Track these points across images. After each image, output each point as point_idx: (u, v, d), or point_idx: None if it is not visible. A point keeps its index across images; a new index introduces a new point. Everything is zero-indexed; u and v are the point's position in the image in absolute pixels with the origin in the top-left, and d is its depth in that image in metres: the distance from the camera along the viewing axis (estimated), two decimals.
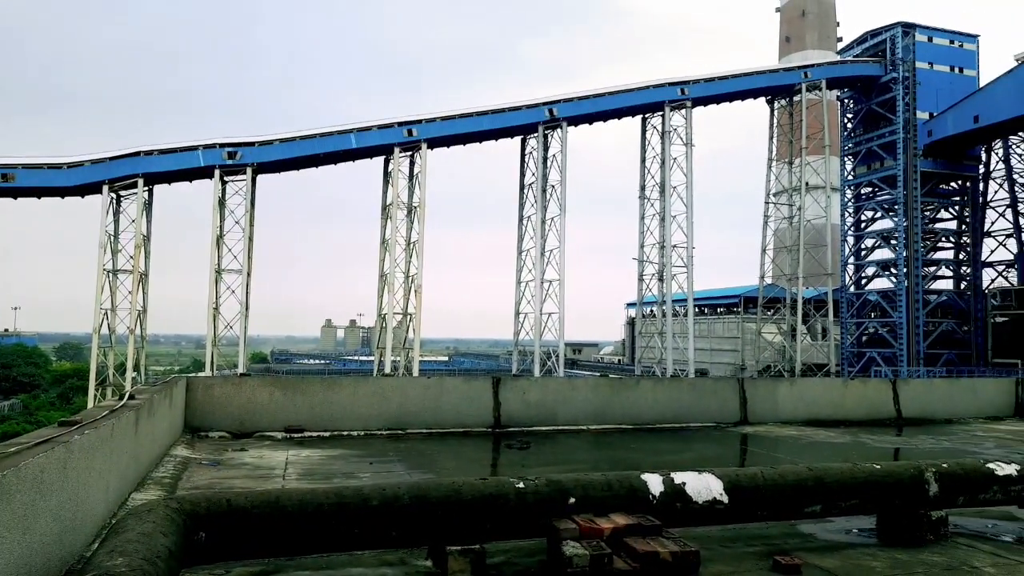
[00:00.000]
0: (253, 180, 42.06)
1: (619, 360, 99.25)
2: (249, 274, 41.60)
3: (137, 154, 40.04)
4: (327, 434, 12.86)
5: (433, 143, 45.34)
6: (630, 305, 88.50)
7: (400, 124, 44.25)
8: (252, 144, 41.88)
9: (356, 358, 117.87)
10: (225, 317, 41.03)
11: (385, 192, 46.53)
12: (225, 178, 41.88)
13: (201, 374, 34.51)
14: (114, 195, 40.58)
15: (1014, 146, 55.45)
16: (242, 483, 8.78)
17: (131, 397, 8.62)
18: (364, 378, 15.39)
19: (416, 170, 45.57)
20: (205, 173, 41.52)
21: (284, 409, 12.89)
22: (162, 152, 40.61)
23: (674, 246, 48.09)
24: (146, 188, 40.69)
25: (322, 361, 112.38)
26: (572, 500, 5.99)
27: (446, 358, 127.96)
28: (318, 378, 14.55)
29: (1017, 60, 52.03)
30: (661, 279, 48.72)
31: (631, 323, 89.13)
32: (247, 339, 41.99)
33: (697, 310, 61.05)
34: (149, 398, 8.94)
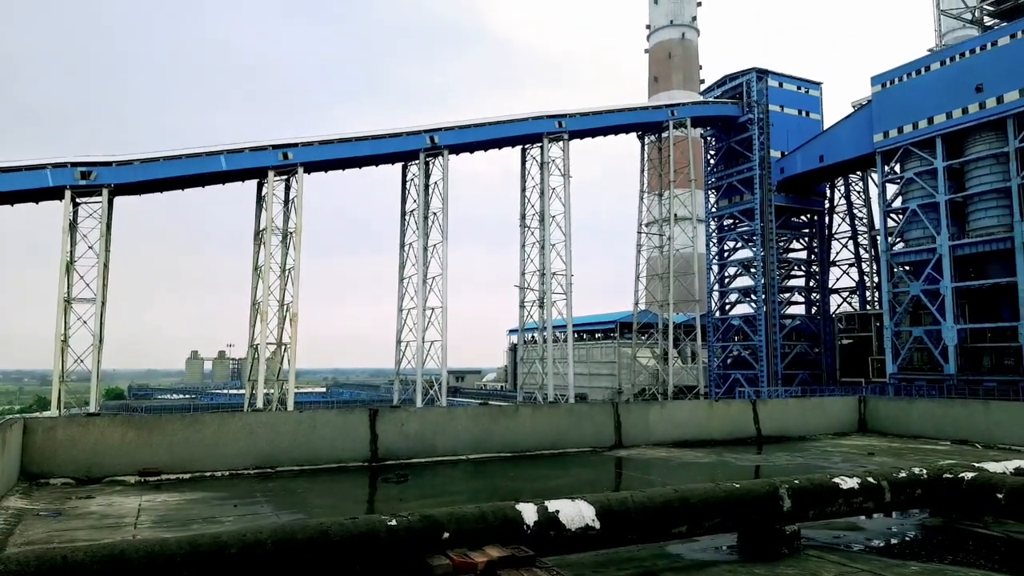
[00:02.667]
0: (110, 203, 39.23)
1: (502, 387, 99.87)
2: (104, 303, 38.55)
3: None
4: (187, 476, 12.00)
5: (310, 167, 44.23)
6: (512, 331, 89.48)
7: (275, 147, 42.84)
8: (109, 164, 39.10)
9: (226, 392, 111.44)
10: (75, 351, 37.70)
11: (258, 217, 44.75)
12: (78, 200, 38.79)
13: (45, 414, 31.43)
14: None
15: (854, 184, 61.44)
16: (86, 535, 7.99)
17: None
18: (231, 414, 14.54)
19: (292, 195, 44.20)
20: (55, 194, 38.30)
21: (139, 451, 11.92)
22: (4, 170, 37.11)
23: (554, 273, 49.27)
24: None
25: (187, 396, 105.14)
26: (446, 535, 5.88)
27: (324, 389, 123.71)
28: (179, 416, 13.58)
29: (854, 107, 57.78)
30: (541, 306, 49.68)
31: (513, 349, 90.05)
32: (101, 374, 38.74)
33: (576, 336, 62.56)
34: None
